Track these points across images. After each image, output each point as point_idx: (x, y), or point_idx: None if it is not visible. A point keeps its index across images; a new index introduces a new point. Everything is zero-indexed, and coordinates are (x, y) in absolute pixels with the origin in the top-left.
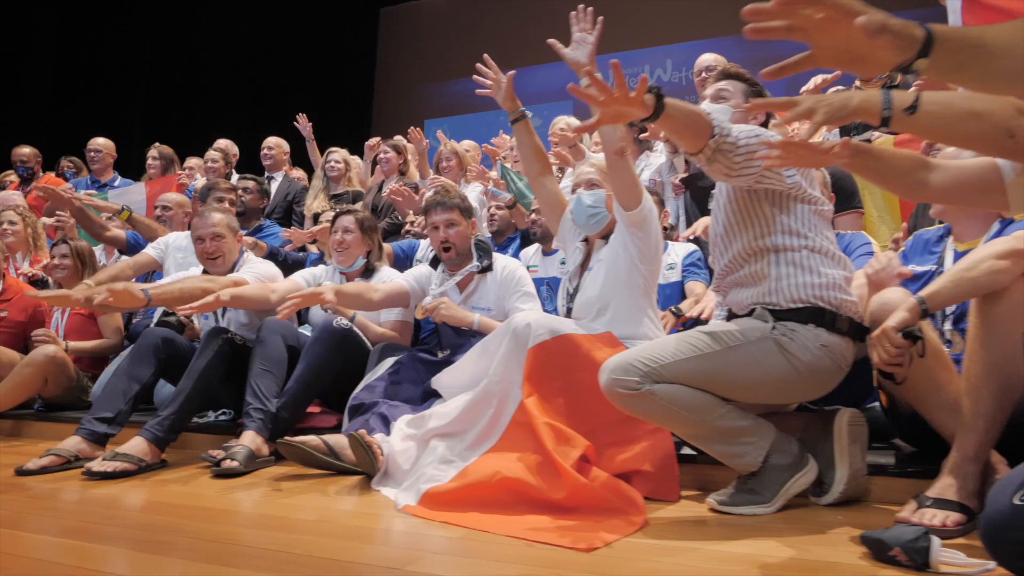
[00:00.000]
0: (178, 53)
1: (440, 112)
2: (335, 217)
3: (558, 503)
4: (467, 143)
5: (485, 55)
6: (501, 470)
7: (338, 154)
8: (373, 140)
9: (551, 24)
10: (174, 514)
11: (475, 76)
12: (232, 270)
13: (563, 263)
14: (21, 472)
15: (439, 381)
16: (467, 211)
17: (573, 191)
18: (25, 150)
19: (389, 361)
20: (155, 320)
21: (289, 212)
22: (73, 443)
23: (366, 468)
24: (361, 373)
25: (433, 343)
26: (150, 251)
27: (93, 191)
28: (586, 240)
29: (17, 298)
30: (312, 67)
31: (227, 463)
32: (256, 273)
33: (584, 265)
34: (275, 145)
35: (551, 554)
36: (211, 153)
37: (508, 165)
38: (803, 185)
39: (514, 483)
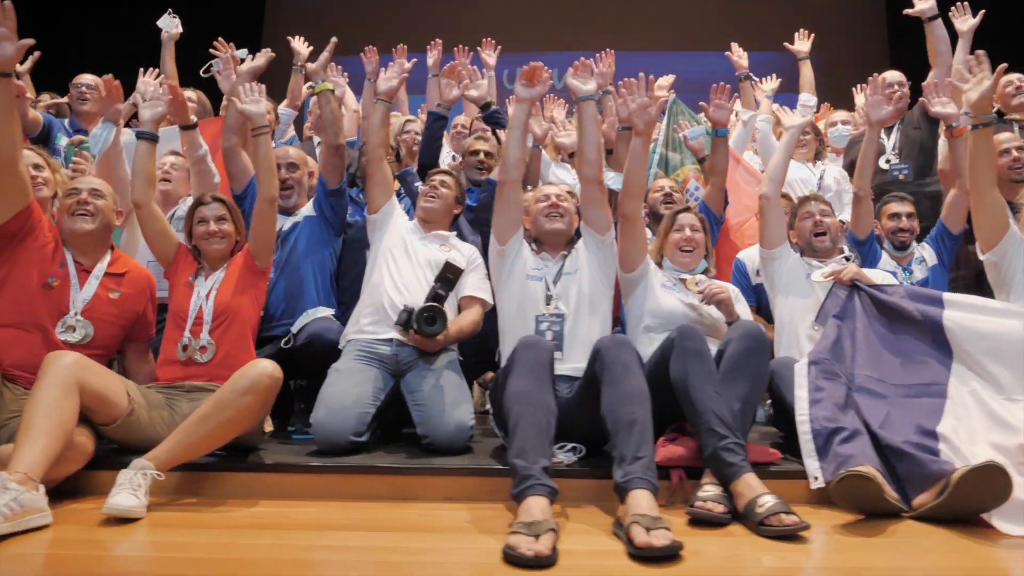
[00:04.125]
0: None
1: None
2: (676, 213)
3: None
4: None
5: None
6: None
7: None
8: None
9: (444, 6)
10: None
11: None
12: None
13: None
14: (516, 560)
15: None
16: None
17: None
18: None
19: (804, 365)
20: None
21: None
22: (542, 508)
23: (993, 501)
24: None
25: None
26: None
27: (83, 137)
28: None
29: (132, 275)
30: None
31: (786, 519)
32: None
33: None
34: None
35: None
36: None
37: None
38: None
39: None
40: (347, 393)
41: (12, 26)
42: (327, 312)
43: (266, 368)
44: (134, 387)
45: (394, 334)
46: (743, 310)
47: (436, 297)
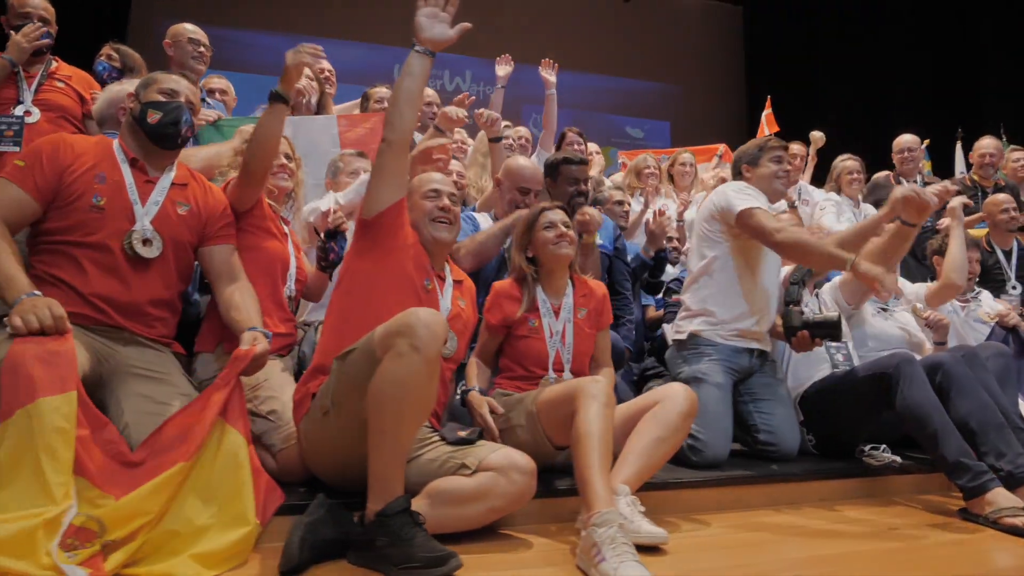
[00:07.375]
0: None
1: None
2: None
3: None
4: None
5: None
6: None
7: None
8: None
9: None
10: None
11: None
12: None
13: None
14: None
15: None
16: None
17: None
18: None
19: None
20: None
21: None
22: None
23: None
24: None
25: None
26: None
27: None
28: None
29: (466, 285)
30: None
31: None
32: None
33: None
34: None
35: None
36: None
37: None
38: None
39: None
40: (727, 411)
41: (453, 9)
42: None
43: (690, 391)
44: None
45: (757, 344)
46: None
47: (797, 303)
